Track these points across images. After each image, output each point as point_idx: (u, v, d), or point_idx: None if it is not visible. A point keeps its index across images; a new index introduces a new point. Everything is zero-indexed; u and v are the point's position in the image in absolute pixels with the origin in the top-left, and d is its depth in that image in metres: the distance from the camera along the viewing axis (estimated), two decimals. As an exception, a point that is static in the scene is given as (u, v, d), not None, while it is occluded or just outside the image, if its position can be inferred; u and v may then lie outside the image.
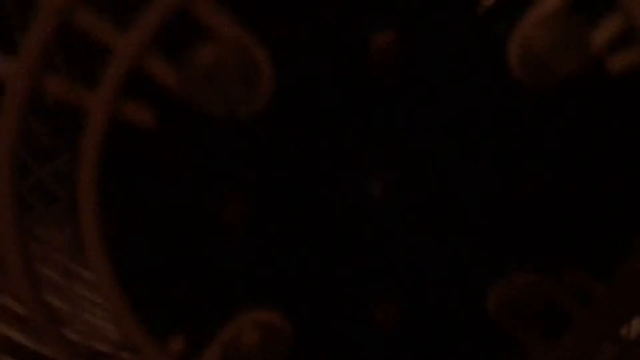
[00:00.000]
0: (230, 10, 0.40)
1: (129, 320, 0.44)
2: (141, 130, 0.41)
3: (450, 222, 0.46)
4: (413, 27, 0.43)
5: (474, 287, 0.46)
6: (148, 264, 0.45)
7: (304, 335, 0.45)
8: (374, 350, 0.47)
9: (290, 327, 0.45)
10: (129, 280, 0.44)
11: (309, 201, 0.45)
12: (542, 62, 0.42)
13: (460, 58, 0.44)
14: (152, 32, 0.40)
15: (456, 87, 0.44)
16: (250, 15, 0.41)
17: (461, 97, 0.44)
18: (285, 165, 0.44)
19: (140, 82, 0.41)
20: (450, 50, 0.43)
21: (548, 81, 0.42)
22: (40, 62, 0.40)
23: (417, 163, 0.45)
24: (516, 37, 0.42)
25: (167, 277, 0.45)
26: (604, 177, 0.45)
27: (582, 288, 0.47)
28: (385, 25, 0.42)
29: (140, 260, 0.45)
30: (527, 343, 0.46)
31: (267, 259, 0.45)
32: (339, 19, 0.43)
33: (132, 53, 0.40)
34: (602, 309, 0.47)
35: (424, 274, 0.47)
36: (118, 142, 0.42)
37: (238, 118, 0.42)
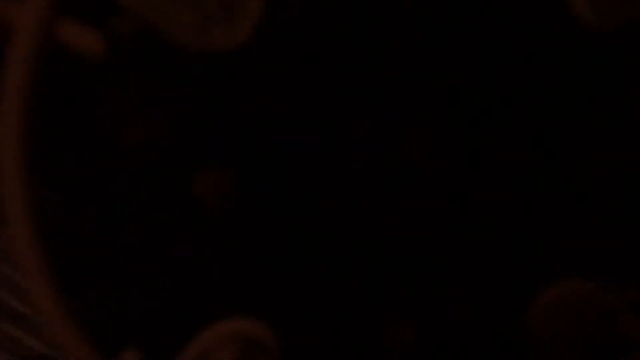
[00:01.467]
0: None
1: (68, 333, 0.34)
2: (85, 64, 0.32)
3: (484, 218, 0.37)
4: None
5: (511, 299, 0.36)
6: (95, 262, 0.35)
7: (294, 355, 0.35)
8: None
9: (276, 342, 0.35)
10: (69, 284, 0.34)
11: (304, 181, 0.35)
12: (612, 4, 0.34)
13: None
14: None
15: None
16: None
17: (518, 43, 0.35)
18: (273, 128, 0.35)
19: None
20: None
21: (620, 25, 0.34)
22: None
23: (447, 129, 0.36)
24: None
25: (117, 277, 0.35)
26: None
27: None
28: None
29: (85, 257, 0.35)
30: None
31: (250, 253, 0.36)
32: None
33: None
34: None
35: (446, 287, 0.37)
36: (52, 79, 0.32)
37: (212, 53, 0.33)
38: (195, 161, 0.35)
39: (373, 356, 0.37)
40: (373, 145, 0.36)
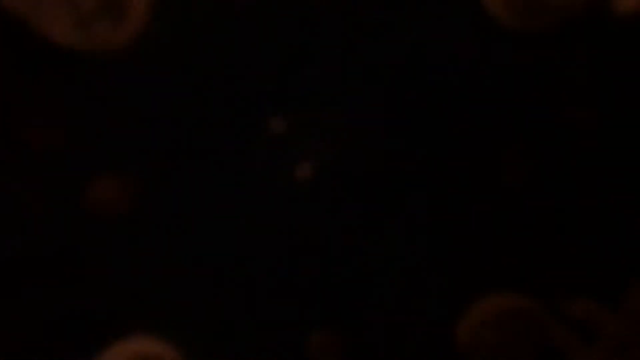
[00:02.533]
0: None
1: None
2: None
3: (405, 225, 0.35)
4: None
5: (439, 311, 0.35)
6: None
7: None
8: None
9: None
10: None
11: (216, 186, 0.33)
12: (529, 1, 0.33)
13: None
14: None
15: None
16: None
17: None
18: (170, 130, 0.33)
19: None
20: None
21: (539, 26, 0.33)
22: None
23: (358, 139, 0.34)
24: None
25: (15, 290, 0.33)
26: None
27: (585, 321, 0.36)
28: None
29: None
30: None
31: (152, 264, 0.33)
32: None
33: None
34: (608, 345, 0.35)
35: (373, 292, 0.35)
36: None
37: (97, 53, 0.31)
38: (91, 167, 0.34)
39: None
40: (271, 146, 0.34)
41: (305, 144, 0.35)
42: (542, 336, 0.35)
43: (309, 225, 0.35)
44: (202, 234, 0.34)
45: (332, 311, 0.35)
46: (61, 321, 0.34)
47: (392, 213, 0.35)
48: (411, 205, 0.35)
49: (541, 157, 0.35)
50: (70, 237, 0.33)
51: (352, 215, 0.35)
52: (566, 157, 0.35)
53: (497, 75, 0.35)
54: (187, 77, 0.34)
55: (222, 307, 0.34)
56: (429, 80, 0.34)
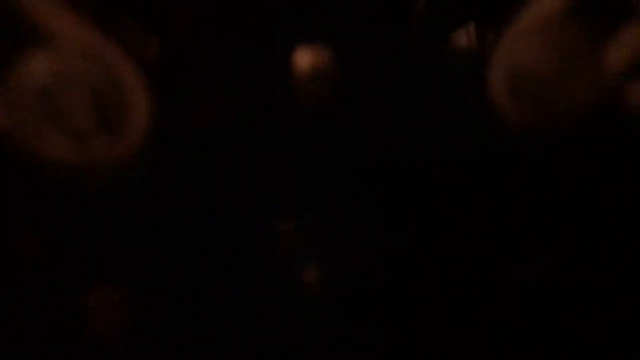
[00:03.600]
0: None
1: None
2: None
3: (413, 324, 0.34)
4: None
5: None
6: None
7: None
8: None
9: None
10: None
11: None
12: (536, 91, 0.30)
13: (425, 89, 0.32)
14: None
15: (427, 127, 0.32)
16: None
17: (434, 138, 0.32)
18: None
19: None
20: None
21: (545, 120, 0.30)
22: None
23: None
24: (500, 56, 0.29)
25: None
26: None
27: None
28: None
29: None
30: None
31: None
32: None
33: None
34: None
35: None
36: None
37: (98, 168, 0.29)
38: (86, 277, 0.32)
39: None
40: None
41: (313, 246, 0.34)
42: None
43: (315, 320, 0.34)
44: (211, 331, 0.33)
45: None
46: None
47: (396, 317, 0.34)
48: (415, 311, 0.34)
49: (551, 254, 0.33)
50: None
51: (357, 316, 0.34)
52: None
53: (501, 171, 0.33)
54: (192, 186, 0.33)
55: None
56: (435, 178, 0.33)
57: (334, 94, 0.33)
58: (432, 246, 0.33)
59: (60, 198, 0.31)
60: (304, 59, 0.32)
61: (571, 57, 0.30)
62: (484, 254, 0.33)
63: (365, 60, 0.33)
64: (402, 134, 0.33)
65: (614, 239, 0.33)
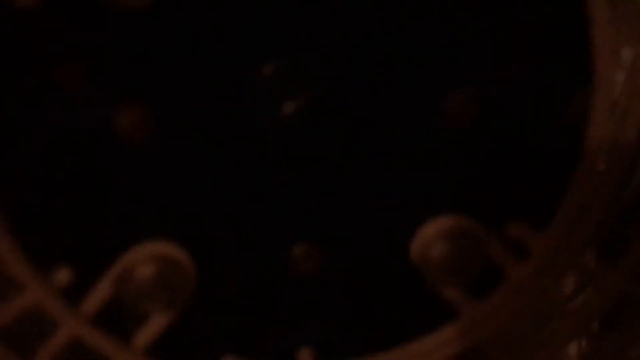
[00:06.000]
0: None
1: (5, 247, 0.39)
2: (25, 14, 0.36)
3: (371, 153, 0.42)
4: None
5: (398, 226, 0.42)
6: (29, 185, 0.39)
7: (209, 273, 0.40)
8: (290, 295, 0.42)
9: (192, 262, 0.40)
10: (5, 203, 0.39)
11: (216, 115, 0.40)
12: None
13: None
14: None
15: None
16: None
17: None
18: (187, 70, 0.39)
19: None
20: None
21: None
22: None
23: (332, 82, 0.41)
24: None
25: (51, 201, 0.40)
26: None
27: (519, 243, 0.43)
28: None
29: (20, 180, 0.39)
30: (451, 297, 0.42)
31: (167, 183, 0.41)
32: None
33: None
34: (538, 263, 0.42)
35: (344, 212, 0.42)
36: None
37: (129, 6, 0.37)
38: (116, 97, 0.39)
39: (281, 273, 0.42)
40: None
41: (291, 85, 0.41)
42: (482, 252, 0.43)
43: (292, 153, 0.41)
44: (207, 158, 0.41)
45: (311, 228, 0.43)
46: (88, 228, 0.41)
47: (357, 144, 0.41)
48: (373, 139, 0.42)
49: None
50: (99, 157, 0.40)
51: (326, 145, 0.41)
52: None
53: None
54: (196, 28, 0.39)
55: (223, 219, 0.41)
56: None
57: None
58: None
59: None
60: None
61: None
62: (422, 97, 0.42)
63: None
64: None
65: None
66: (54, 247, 0.40)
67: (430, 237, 0.41)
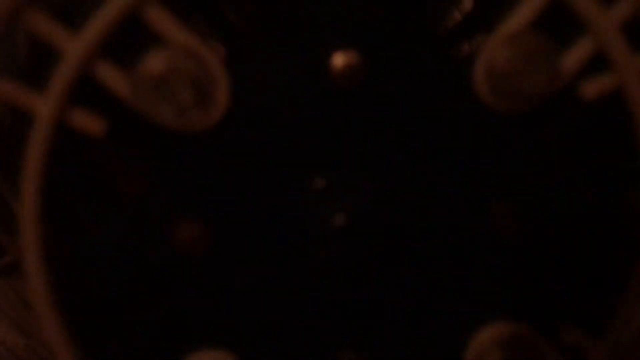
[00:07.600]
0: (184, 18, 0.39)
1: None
2: (90, 142, 0.39)
3: (421, 262, 0.42)
4: (375, 47, 0.41)
5: (451, 335, 0.41)
6: (90, 295, 0.41)
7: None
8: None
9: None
10: (70, 313, 0.41)
11: (270, 228, 0.42)
12: (509, 85, 0.39)
13: (424, 82, 0.41)
14: (102, 37, 0.38)
15: (420, 113, 0.41)
16: (206, 25, 0.40)
17: (426, 122, 0.41)
18: (243, 186, 0.41)
19: (91, 90, 0.39)
20: (413, 74, 0.41)
21: (517, 106, 0.40)
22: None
23: (382, 195, 0.42)
24: (481, 59, 0.40)
25: (109, 311, 0.42)
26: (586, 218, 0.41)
27: (577, 349, 0.42)
28: (347, 44, 0.40)
29: (83, 291, 0.41)
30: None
31: (221, 293, 0.42)
32: (300, 37, 0.41)
33: (82, 57, 0.38)
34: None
35: (393, 320, 0.42)
36: (65, 154, 0.39)
37: (192, 131, 0.40)
38: (176, 213, 0.41)
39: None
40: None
41: (342, 198, 0.42)
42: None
43: (343, 263, 0.42)
44: (260, 269, 0.42)
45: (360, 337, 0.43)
46: (143, 342, 0.42)
47: (407, 254, 0.42)
48: (422, 249, 0.42)
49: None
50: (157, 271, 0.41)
51: (375, 256, 0.42)
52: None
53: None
54: (254, 148, 0.41)
55: (273, 327, 0.42)
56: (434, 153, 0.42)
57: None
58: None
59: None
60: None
61: (533, 62, 0.41)
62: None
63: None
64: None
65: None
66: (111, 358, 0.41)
67: (486, 345, 0.41)
